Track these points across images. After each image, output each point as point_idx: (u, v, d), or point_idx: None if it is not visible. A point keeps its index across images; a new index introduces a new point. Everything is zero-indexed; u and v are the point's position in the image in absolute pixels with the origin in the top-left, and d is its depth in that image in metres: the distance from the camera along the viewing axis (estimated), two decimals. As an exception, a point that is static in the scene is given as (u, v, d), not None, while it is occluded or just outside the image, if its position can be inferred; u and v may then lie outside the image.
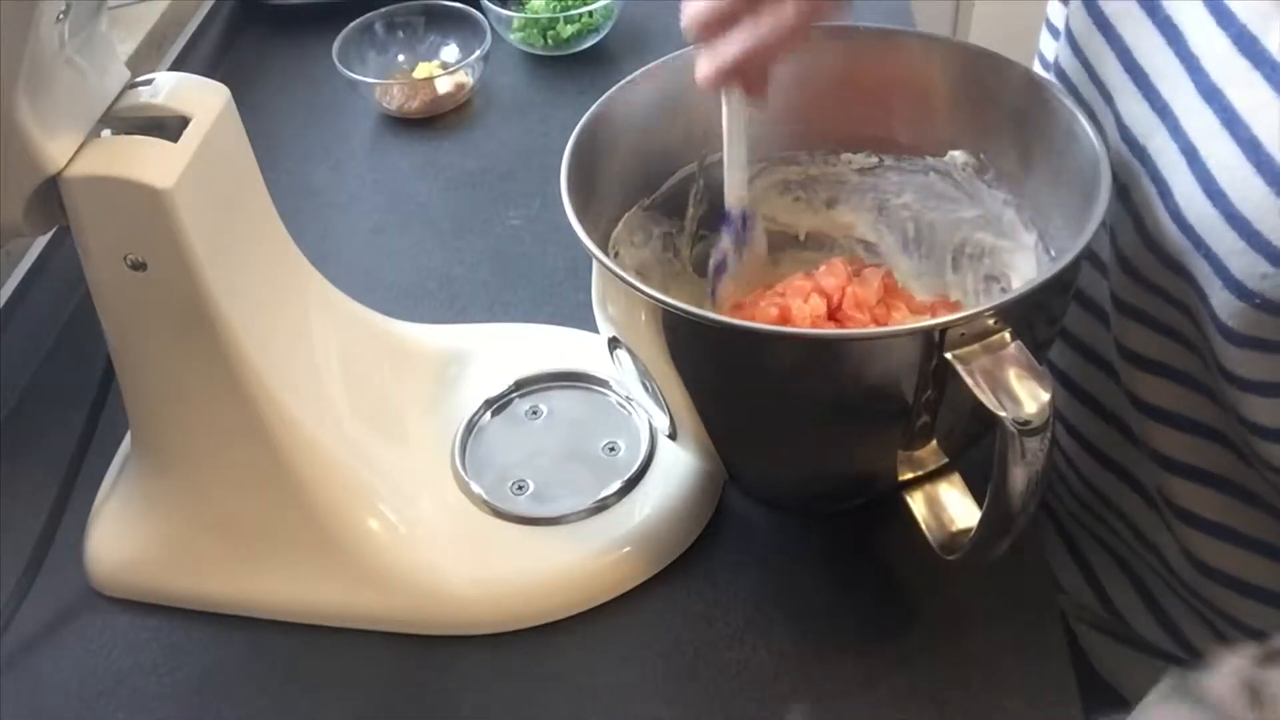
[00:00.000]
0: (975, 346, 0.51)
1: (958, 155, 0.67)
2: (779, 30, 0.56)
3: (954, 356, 0.50)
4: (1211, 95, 0.55)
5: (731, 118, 0.62)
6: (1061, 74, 0.68)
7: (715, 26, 0.57)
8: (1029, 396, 0.49)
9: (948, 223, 0.69)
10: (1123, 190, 0.62)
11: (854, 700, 0.61)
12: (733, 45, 0.57)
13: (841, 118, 0.69)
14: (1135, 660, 0.75)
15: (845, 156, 0.71)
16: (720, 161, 0.69)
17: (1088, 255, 0.67)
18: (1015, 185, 0.65)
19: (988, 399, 0.49)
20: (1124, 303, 0.64)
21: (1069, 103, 0.60)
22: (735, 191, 0.65)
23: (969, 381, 0.50)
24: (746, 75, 0.59)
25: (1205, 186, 0.55)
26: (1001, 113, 0.64)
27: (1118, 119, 0.62)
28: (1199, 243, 0.56)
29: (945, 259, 0.70)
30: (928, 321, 0.51)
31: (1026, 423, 0.49)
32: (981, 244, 0.68)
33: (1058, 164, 0.61)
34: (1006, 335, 0.51)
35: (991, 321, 0.51)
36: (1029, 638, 0.63)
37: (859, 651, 0.63)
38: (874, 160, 0.70)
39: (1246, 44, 0.54)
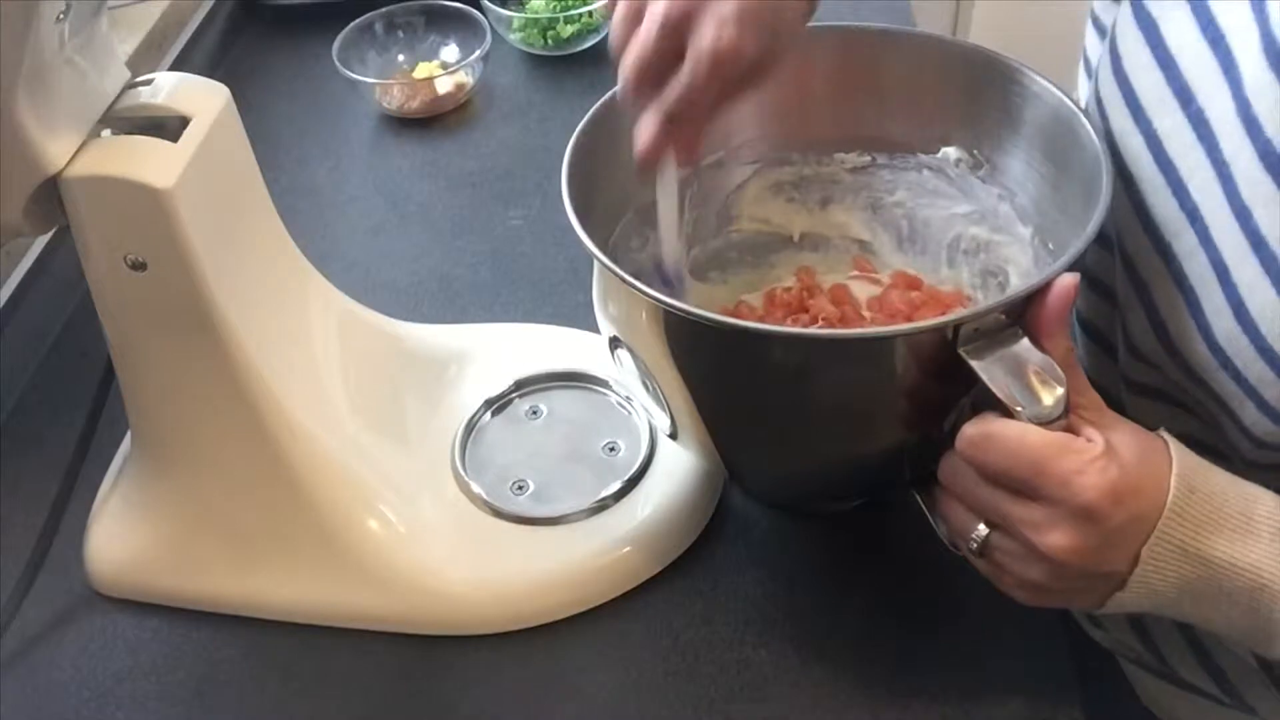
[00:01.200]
0: (988, 342, 0.51)
1: (950, 151, 0.67)
2: (703, 75, 0.53)
3: (967, 353, 0.51)
4: (1242, 213, 0.51)
5: (666, 181, 0.61)
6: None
7: (653, 76, 0.55)
8: (1045, 391, 0.49)
9: (942, 219, 0.69)
10: (1140, 283, 0.58)
11: (854, 700, 0.61)
12: (672, 97, 0.54)
13: (833, 118, 0.69)
14: (1181, 696, 0.72)
15: (838, 156, 0.71)
16: (715, 164, 0.69)
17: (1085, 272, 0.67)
18: (1009, 180, 0.65)
19: (1004, 395, 0.49)
20: (1136, 383, 0.62)
21: (1068, 101, 0.60)
22: (670, 252, 0.64)
23: (984, 377, 0.50)
24: (685, 136, 0.57)
25: (1236, 310, 0.52)
26: (994, 109, 0.64)
27: (1140, 206, 0.57)
28: (1227, 363, 0.53)
29: (940, 255, 0.70)
30: (941, 319, 0.51)
31: (1046, 418, 0.49)
32: (977, 239, 0.68)
33: (1054, 159, 0.61)
34: (1019, 330, 0.51)
35: (1003, 317, 0.51)
36: (1029, 638, 0.63)
37: (859, 651, 0.63)
38: (866, 159, 0.70)
39: (1273, 161, 0.49)
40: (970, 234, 0.68)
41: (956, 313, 0.51)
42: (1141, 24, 0.56)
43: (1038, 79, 0.62)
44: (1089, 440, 0.49)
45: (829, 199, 0.72)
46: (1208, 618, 0.51)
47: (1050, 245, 0.63)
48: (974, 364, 0.50)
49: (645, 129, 0.56)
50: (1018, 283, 0.65)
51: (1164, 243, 0.56)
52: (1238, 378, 0.53)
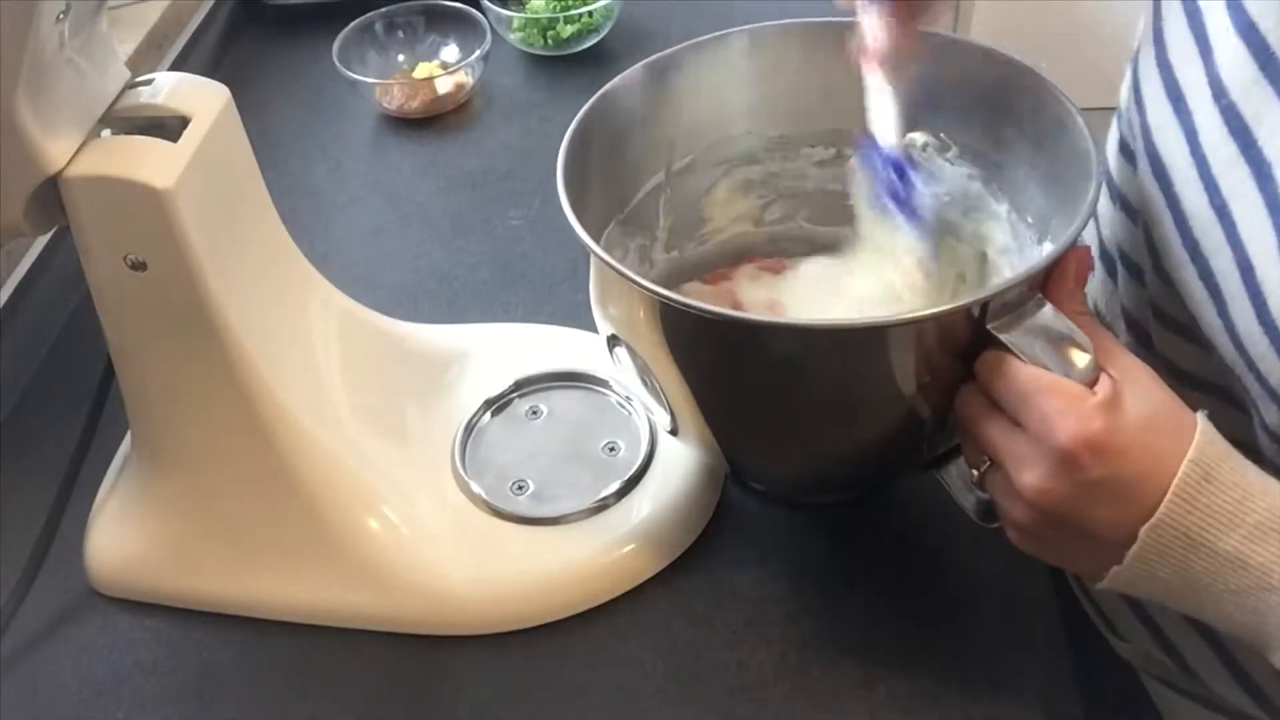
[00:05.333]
0: (1014, 315, 0.51)
1: (917, 136, 0.67)
2: None
3: (996, 328, 0.51)
4: (1277, 212, 0.50)
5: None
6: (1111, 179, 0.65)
7: None
8: (1076, 354, 0.50)
9: None
10: (1165, 275, 0.58)
11: (854, 700, 0.61)
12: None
13: (798, 114, 0.69)
14: (1214, 718, 0.69)
15: (804, 151, 0.71)
16: (686, 168, 0.70)
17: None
18: (980, 159, 0.66)
19: (1038, 364, 0.50)
20: (1177, 368, 0.61)
21: (1037, 73, 0.60)
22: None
23: (1016, 350, 0.50)
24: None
25: (1259, 311, 0.51)
26: (958, 90, 0.64)
27: (1173, 200, 0.56)
28: (1250, 363, 0.52)
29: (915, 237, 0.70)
30: (969, 299, 0.51)
31: (1084, 380, 0.49)
32: (950, 219, 0.68)
33: (1026, 133, 0.62)
34: (1041, 298, 0.52)
35: (1026, 289, 0.51)
36: (1029, 638, 0.63)
37: (859, 651, 0.63)
38: (832, 152, 0.70)
39: None
40: (943, 216, 0.68)
41: (983, 290, 0.51)
42: (1188, 11, 0.55)
43: (1002, 53, 0.62)
44: (1096, 389, 0.49)
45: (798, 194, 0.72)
46: (1211, 613, 0.51)
47: (1029, 219, 0.63)
48: (1004, 338, 0.51)
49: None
50: (996, 258, 0.66)
51: (1191, 237, 0.55)
52: (1260, 378, 0.52)
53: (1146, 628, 0.69)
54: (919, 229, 0.64)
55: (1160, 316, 0.61)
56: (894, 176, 0.64)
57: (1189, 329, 0.57)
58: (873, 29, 0.61)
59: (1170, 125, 0.56)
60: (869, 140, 0.64)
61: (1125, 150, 0.63)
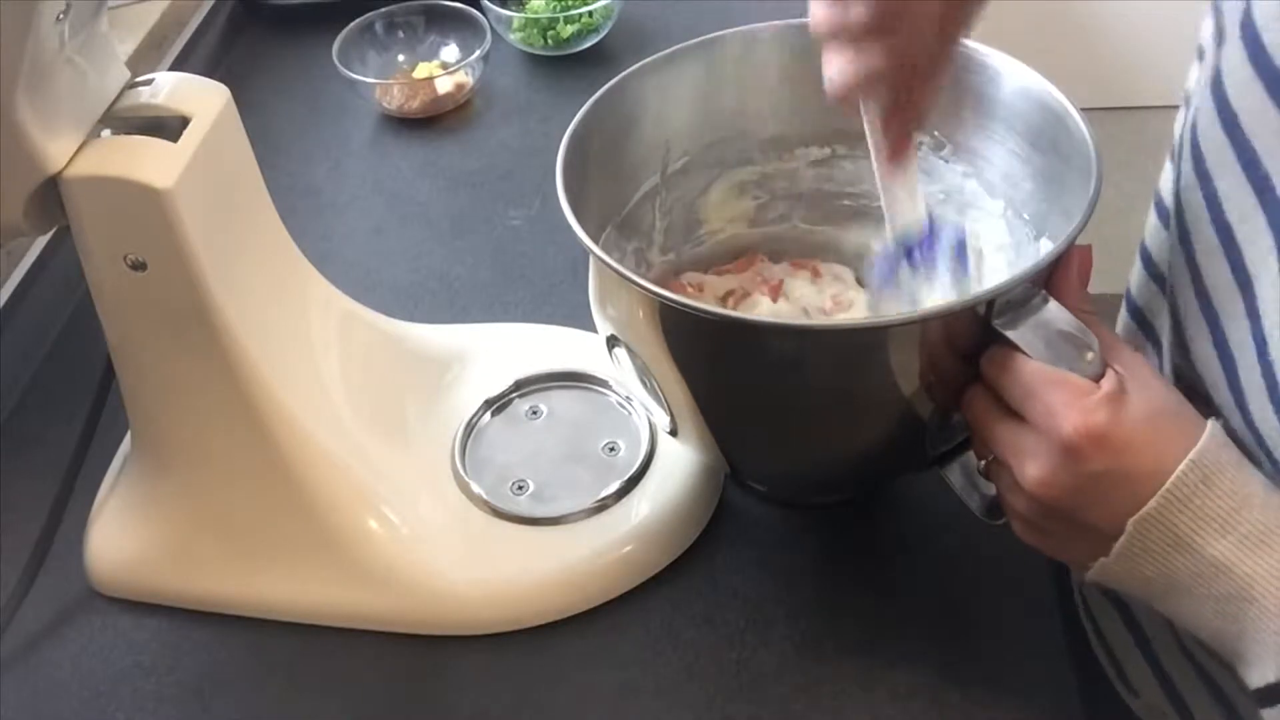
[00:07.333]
0: (1019, 312, 0.51)
1: None
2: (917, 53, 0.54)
3: (1001, 325, 0.51)
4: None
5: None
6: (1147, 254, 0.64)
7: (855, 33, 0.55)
8: (1083, 350, 0.50)
9: None
10: (1182, 343, 0.56)
11: (854, 700, 0.61)
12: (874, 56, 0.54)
13: (792, 115, 0.69)
14: None
15: (798, 151, 0.71)
16: (680, 170, 0.70)
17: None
18: (974, 157, 0.66)
19: (1043, 359, 0.50)
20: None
21: (1031, 73, 0.60)
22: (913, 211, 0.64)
23: (1023, 347, 0.50)
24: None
25: (1270, 391, 0.50)
26: (955, 89, 0.64)
27: (1195, 270, 0.55)
28: (1260, 441, 0.51)
29: None
30: (974, 297, 0.51)
31: (1086, 375, 0.49)
32: (945, 218, 0.68)
33: (1020, 131, 0.62)
34: (1045, 294, 0.52)
35: (1030, 285, 0.52)
36: (1029, 638, 0.63)
37: (859, 651, 0.63)
38: (827, 151, 0.70)
39: None
40: (939, 214, 0.68)
41: (989, 288, 0.51)
42: (1212, 72, 0.54)
43: (993, 54, 0.62)
44: (1101, 383, 0.49)
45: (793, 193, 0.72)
46: (1191, 617, 0.50)
47: (1025, 215, 0.63)
48: (1010, 334, 0.51)
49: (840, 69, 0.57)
50: (992, 255, 0.66)
51: (1213, 309, 0.54)
52: (1269, 456, 0.51)
53: (1159, 681, 0.68)
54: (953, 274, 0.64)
55: (1180, 380, 0.59)
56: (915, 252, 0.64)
57: (1206, 397, 0.56)
58: (876, 133, 0.59)
59: (1195, 190, 0.54)
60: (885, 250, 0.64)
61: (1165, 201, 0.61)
